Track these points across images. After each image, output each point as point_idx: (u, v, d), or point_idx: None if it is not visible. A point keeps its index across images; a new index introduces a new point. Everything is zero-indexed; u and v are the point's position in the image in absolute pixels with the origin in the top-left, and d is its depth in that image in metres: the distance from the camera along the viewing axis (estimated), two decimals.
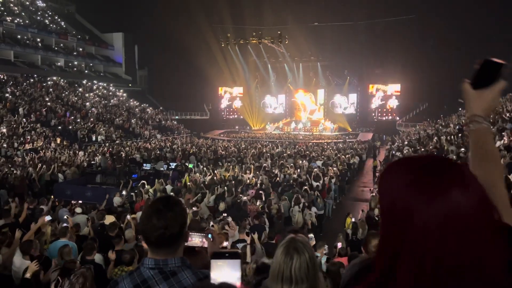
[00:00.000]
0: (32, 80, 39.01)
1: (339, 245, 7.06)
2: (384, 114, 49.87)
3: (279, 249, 1.77)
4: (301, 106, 52.70)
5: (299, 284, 1.69)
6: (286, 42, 47.57)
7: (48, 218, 4.55)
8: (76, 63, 48.27)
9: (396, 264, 0.79)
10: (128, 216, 8.20)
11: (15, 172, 16.22)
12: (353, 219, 9.92)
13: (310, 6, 46.97)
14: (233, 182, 14.38)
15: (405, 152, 19.49)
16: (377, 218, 9.43)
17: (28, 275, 4.45)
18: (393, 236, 0.80)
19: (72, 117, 33.34)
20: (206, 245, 2.09)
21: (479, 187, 0.79)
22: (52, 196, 11.79)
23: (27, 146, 24.36)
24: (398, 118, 47.17)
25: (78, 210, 9.00)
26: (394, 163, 0.88)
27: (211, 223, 7.78)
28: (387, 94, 50.18)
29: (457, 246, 0.74)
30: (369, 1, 43.90)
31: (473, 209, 0.75)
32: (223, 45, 49.30)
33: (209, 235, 2.13)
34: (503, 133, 13.97)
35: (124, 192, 12.54)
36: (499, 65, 1.16)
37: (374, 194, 12.51)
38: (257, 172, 16.52)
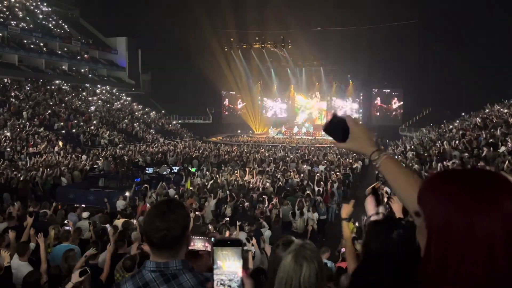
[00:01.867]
0: (36, 84, 39.19)
1: (343, 250, 7.02)
2: (387, 119, 49.79)
3: (287, 257, 1.75)
4: (301, 108, 52.88)
5: None
6: (289, 46, 47.68)
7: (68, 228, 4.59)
8: (80, 67, 48.51)
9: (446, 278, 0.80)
10: (134, 221, 8.22)
11: (18, 175, 16.25)
12: (356, 224, 9.87)
13: (313, 11, 47.06)
14: (236, 186, 14.38)
15: (409, 156, 19.43)
16: None
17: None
18: (449, 252, 0.81)
19: (76, 121, 33.43)
20: (209, 249, 2.09)
21: None
22: (54, 201, 11.79)
23: (31, 150, 24.42)
24: (401, 123, 47.11)
25: (85, 214, 9.01)
26: (437, 177, 0.88)
27: (210, 227, 7.78)
28: (390, 98, 50.14)
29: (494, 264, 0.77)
30: (372, 6, 43.95)
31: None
32: (226, 49, 49.46)
33: (212, 239, 2.12)
34: (507, 138, 13.90)
35: (127, 193, 12.55)
36: (333, 119, 1.33)
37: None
38: (260, 177, 16.51)
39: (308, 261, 1.68)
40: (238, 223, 8.43)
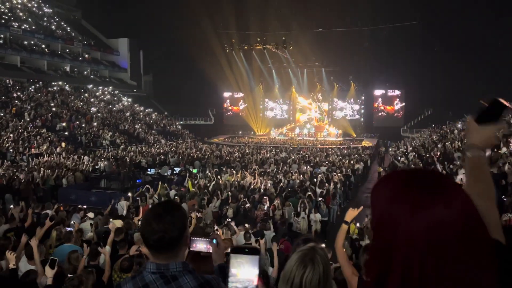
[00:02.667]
0: (38, 85, 39.28)
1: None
2: (389, 120, 49.73)
3: (295, 254, 1.74)
4: (303, 109, 52.90)
5: None
6: (291, 47, 47.68)
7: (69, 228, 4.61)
8: (81, 68, 48.63)
9: (387, 275, 0.81)
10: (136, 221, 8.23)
11: (20, 176, 16.28)
12: (357, 225, 9.86)
13: (315, 12, 47.07)
14: (237, 187, 14.37)
15: (410, 157, 19.41)
16: None
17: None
18: (382, 247, 0.83)
19: (77, 122, 33.49)
20: (211, 250, 2.09)
21: (466, 203, 0.80)
22: (56, 203, 11.81)
23: (33, 151, 24.47)
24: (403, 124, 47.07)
25: (91, 215, 9.03)
26: (385, 176, 0.90)
27: (216, 228, 7.79)
28: (391, 99, 50.11)
29: (440, 259, 0.76)
30: (374, 7, 43.95)
31: (457, 223, 0.77)
32: (227, 50, 49.48)
33: (214, 241, 2.12)
34: (510, 139, 13.88)
35: (129, 194, 12.57)
36: (504, 106, 1.28)
37: None
38: (261, 178, 16.50)
39: (314, 264, 1.67)
40: (239, 227, 8.42)
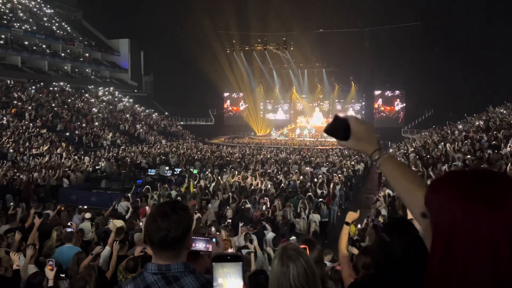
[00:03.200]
0: (38, 85, 39.33)
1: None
2: (389, 121, 49.73)
3: (273, 261, 1.75)
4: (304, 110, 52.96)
5: None
6: (291, 48, 47.68)
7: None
8: (82, 68, 48.69)
9: (465, 275, 0.79)
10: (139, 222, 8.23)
11: (21, 177, 16.30)
12: (358, 226, 9.85)
13: (315, 13, 47.11)
14: (238, 188, 14.37)
15: (410, 158, 19.38)
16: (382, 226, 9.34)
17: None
18: (457, 255, 0.80)
19: (78, 123, 33.52)
20: (210, 249, 2.09)
21: None
22: (57, 203, 11.81)
23: (33, 151, 24.48)
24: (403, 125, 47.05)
25: (87, 215, 9.03)
26: (448, 175, 0.89)
27: (212, 229, 7.79)
28: (392, 100, 50.12)
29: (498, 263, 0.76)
30: (375, 8, 43.96)
31: None
32: (228, 51, 49.53)
33: (213, 240, 2.12)
34: (510, 141, 13.86)
35: (129, 195, 12.57)
36: (335, 120, 1.32)
37: (378, 200, 12.38)
38: (262, 178, 16.50)
39: (294, 260, 1.67)
40: (240, 225, 8.43)
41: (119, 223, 8.04)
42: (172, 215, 1.64)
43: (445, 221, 0.83)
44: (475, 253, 0.78)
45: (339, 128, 1.31)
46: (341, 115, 1.31)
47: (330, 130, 1.33)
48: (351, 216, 3.61)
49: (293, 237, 7.00)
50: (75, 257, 5.30)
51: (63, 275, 4.79)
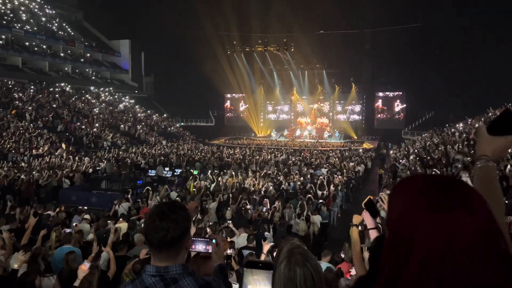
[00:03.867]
0: (39, 86, 39.36)
1: (343, 255, 7.00)
2: (390, 122, 49.74)
3: (280, 264, 1.74)
4: (305, 111, 52.96)
5: None
6: (292, 49, 47.72)
7: (87, 265, 4.65)
8: (83, 69, 48.74)
9: (400, 272, 0.79)
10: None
11: (21, 177, 16.29)
12: (359, 228, 9.83)
13: (316, 14, 47.12)
14: (238, 189, 14.36)
15: (411, 159, 19.38)
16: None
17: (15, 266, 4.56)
18: (398, 246, 0.81)
19: (78, 123, 33.53)
20: (210, 250, 2.09)
21: (487, 212, 0.79)
22: (57, 203, 11.80)
23: (34, 152, 24.48)
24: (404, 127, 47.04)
25: (86, 217, 9.03)
26: (403, 181, 0.89)
27: (208, 230, 7.79)
28: (393, 101, 50.13)
29: (459, 268, 0.74)
30: (375, 10, 44.00)
31: (477, 232, 0.76)
32: (229, 52, 49.56)
33: (213, 241, 2.12)
34: None
35: (128, 196, 12.58)
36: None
37: (377, 202, 12.36)
38: (262, 180, 16.49)
39: (301, 265, 1.66)
40: (239, 229, 8.42)
41: (124, 226, 8.04)
42: (171, 215, 1.64)
43: (392, 219, 0.85)
44: (404, 255, 0.79)
45: (508, 121, 1.22)
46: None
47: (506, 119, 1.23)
48: (357, 218, 3.65)
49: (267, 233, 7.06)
50: (65, 257, 5.30)
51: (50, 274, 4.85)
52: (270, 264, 1.46)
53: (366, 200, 2.77)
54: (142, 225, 8.20)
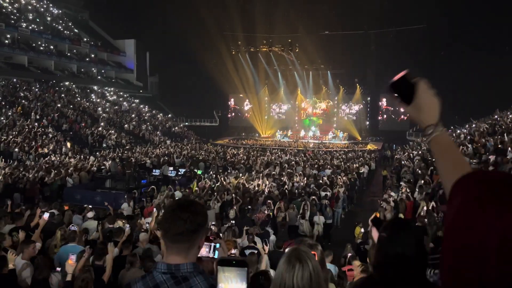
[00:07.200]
0: (45, 85, 39.57)
1: (349, 254, 7.01)
2: (394, 123, 49.56)
3: (281, 259, 1.76)
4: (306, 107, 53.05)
5: None
6: (297, 50, 47.67)
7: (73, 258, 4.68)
8: (88, 69, 48.94)
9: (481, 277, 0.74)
10: (141, 221, 8.25)
11: (26, 176, 16.38)
12: (362, 229, 9.83)
13: (321, 15, 47.06)
14: (241, 189, 14.38)
15: (415, 161, 19.32)
16: None
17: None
18: (451, 248, 0.78)
19: (83, 124, 33.67)
20: (210, 255, 2.09)
21: None
22: (63, 202, 11.87)
23: (39, 151, 24.61)
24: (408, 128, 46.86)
25: (90, 214, 9.06)
26: (462, 178, 0.85)
27: (212, 228, 7.81)
28: (397, 103, 49.93)
29: None
30: (380, 11, 43.86)
31: None
32: (233, 52, 49.54)
33: (217, 245, 2.12)
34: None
35: (134, 195, 12.65)
36: (403, 78, 1.22)
37: (382, 205, 12.33)
38: (266, 180, 16.50)
39: (301, 262, 1.67)
40: (245, 228, 8.40)
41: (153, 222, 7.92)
42: (191, 207, 1.68)
43: (449, 215, 0.81)
44: (465, 252, 0.75)
45: (404, 88, 1.22)
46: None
47: (396, 86, 1.23)
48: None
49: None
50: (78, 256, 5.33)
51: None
52: (244, 261, 1.46)
53: (373, 216, 2.78)
54: (147, 224, 8.24)
